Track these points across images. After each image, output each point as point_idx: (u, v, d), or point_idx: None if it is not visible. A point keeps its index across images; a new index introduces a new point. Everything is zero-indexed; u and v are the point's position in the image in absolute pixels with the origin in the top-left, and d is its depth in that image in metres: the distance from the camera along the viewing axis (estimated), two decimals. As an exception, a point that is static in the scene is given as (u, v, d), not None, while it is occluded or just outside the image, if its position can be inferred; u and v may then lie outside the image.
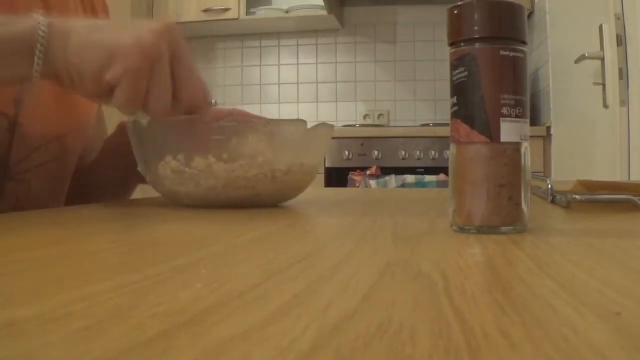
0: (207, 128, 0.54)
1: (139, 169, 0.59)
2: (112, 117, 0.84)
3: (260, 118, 0.57)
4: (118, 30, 0.49)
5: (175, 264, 0.27)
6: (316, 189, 0.97)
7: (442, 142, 2.44)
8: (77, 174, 0.75)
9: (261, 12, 2.91)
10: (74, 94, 0.65)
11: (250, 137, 0.54)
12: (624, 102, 1.69)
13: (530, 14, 2.62)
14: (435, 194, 0.83)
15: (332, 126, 0.60)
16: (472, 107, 0.36)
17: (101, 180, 0.76)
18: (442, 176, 2.21)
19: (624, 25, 1.68)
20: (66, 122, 0.66)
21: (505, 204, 0.36)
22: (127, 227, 0.45)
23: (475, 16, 0.36)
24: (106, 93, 0.49)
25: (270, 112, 3.03)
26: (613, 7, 1.69)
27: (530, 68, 2.49)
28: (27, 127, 0.60)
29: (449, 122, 0.38)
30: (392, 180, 2.26)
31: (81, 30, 0.48)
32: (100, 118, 0.81)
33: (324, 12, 2.81)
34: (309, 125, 0.57)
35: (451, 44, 0.38)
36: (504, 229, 0.36)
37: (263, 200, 0.57)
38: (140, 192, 0.82)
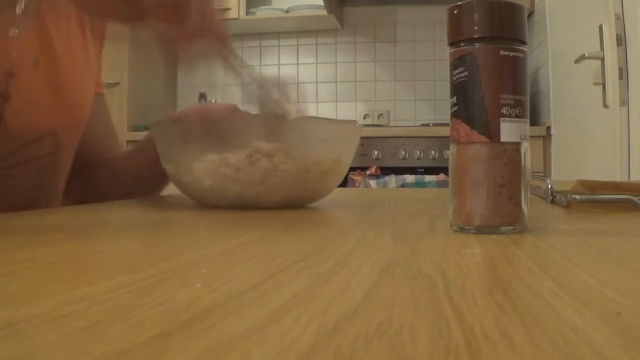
0: (243, 127, 0.54)
1: (165, 167, 0.59)
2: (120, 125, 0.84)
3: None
4: None
5: (175, 264, 0.27)
6: (316, 189, 0.97)
7: (442, 142, 2.44)
8: (103, 170, 0.75)
9: (261, 12, 2.91)
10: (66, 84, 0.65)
11: (290, 135, 0.54)
12: (624, 102, 1.69)
13: (530, 14, 2.62)
14: (435, 194, 0.83)
15: (359, 126, 0.61)
16: (472, 107, 0.36)
17: (135, 175, 0.76)
18: (442, 176, 2.21)
19: (624, 25, 1.68)
20: (59, 117, 0.65)
21: (505, 204, 0.36)
22: (128, 226, 0.45)
23: (475, 16, 0.36)
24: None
25: (270, 112, 3.02)
26: (613, 7, 1.69)
27: (530, 68, 2.50)
28: (16, 123, 0.60)
29: (449, 122, 0.38)
30: (392, 180, 2.26)
31: None
32: (105, 114, 0.81)
33: (324, 12, 2.81)
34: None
35: (451, 44, 0.38)
36: (504, 229, 0.36)
37: (294, 200, 0.57)
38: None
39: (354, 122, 0.60)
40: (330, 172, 0.57)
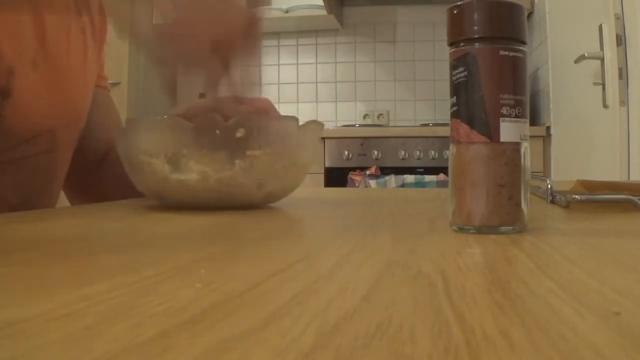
0: (209, 125, 0.53)
1: (125, 169, 0.59)
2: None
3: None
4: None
5: (175, 264, 0.27)
6: (316, 189, 0.97)
7: (442, 142, 2.44)
8: (108, 167, 0.75)
9: (261, 12, 2.91)
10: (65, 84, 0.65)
11: (245, 134, 0.54)
12: (624, 102, 1.69)
13: (530, 14, 2.62)
14: (435, 194, 0.83)
15: (321, 124, 0.60)
16: (472, 107, 0.36)
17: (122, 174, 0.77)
18: (442, 176, 2.21)
19: (624, 25, 1.68)
20: (57, 116, 0.65)
21: (505, 204, 0.36)
22: (127, 226, 0.45)
23: (475, 16, 0.36)
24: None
25: (270, 112, 3.02)
26: (613, 7, 1.69)
27: (530, 68, 2.49)
28: (14, 120, 0.60)
29: (449, 122, 0.38)
30: (392, 180, 2.26)
31: None
32: (111, 109, 0.81)
33: (324, 12, 2.81)
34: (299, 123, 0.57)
35: (451, 44, 0.38)
36: (503, 229, 0.36)
37: (251, 202, 0.57)
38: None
39: (315, 122, 0.59)
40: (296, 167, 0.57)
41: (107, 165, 0.77)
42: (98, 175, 0.77)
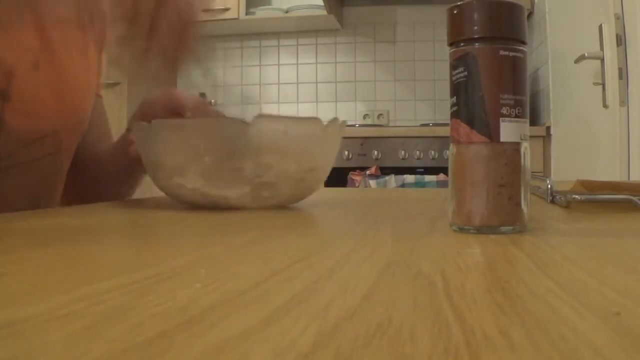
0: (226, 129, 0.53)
1: (146, 167, 0.58)
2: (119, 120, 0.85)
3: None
4: None
5: (175, 264, 0.27)
6: (316, 189, 0.97)
7: (442, 142, 2.45)
8: (85, 165, 0.76)
9: (261, 12, 2.91)
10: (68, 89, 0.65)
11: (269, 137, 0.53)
12: (624, 102, 1.69)
13: (530, 14, 2.62)
14: (435, 194, 0.83)
15: (343, 122, 0.59)
16: (472, 107, 0.36)
17: (110, 171, 0.77)
18: (442, 176, 2.21)
19: (624, 25, 1.68)
20: (60, 118, 0.65)
21: (505, 204, 0.36)
22: (127, 227, 0.45)
23: (475, 16, 0.36)
24: None
25: (269, 112, 3.02)
26: (613, 7, 1.69)
27: (530, 68, 2.49)
28: (16, 124, 0.60)
29: (448, 122, 0.38)
30: (392, 180, 2.26)
31: None
32: (103, 116, 0.81)
33: (324, 12, 2.82)
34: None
35: (451, 44, 0.38)
36: (503, 229, 0.36)
37: (283, 203, 0.57)
38: (139, 192, 0.82)
39: (336, 120, 0.58)
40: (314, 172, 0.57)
41: (89, 168, 0.78)
42: (80, 178, 0.78)
